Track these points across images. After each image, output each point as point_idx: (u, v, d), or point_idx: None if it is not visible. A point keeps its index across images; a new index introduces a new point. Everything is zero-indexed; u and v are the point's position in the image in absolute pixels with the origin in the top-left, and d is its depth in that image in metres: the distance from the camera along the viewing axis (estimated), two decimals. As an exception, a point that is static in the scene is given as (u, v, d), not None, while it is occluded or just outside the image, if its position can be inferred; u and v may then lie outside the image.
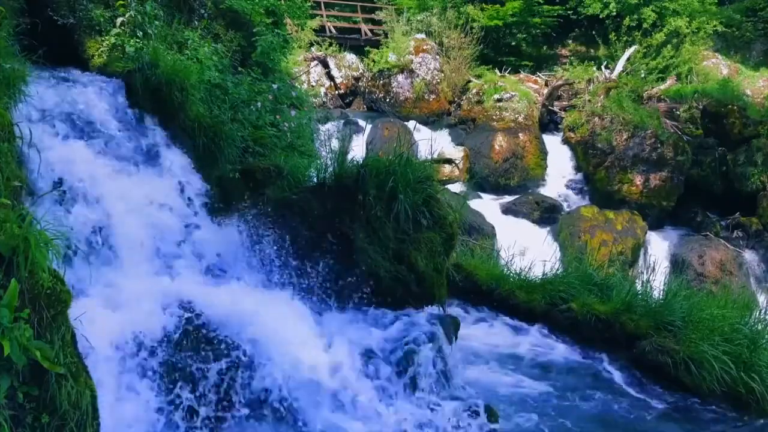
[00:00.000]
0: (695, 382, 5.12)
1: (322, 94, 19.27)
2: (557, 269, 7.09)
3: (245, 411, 3.61)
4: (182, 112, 5.24)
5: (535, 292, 6.56)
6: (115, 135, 4.83)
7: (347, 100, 20.29)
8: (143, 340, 3.58)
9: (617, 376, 5.42)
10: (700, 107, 16.46)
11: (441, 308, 5.14)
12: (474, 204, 14.98)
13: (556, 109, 18.32)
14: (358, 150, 5.91)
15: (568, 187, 16.94)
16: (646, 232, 14.95)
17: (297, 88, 8.09)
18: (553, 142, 17.57)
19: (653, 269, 9.81)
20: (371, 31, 22.24)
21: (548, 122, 18.35)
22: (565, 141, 17.39)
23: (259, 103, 6.44)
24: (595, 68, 18.79)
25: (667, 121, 16.25)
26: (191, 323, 3.75)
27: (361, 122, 17.34)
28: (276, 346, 3.79)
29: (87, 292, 3.76)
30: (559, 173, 17.07)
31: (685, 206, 16.12)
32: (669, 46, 19.82)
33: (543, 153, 17.19)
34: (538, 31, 21.36)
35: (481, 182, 16.73)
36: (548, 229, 14.82)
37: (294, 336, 3.98)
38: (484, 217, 14.43)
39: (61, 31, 5.46)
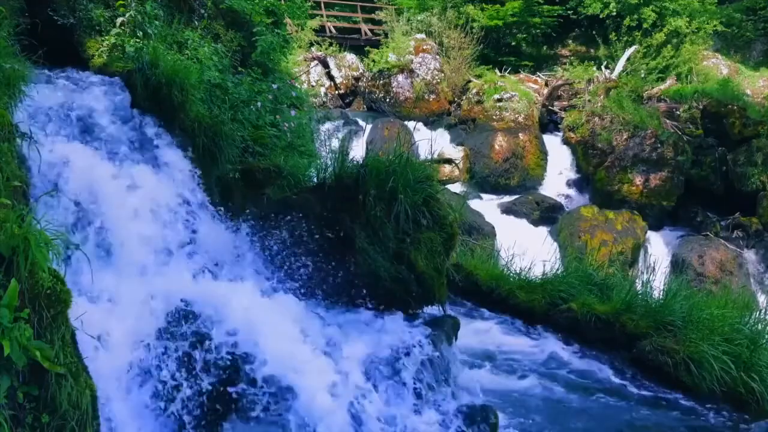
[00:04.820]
0: (695, 382, 5.12)
1: (322, 94, 19.28)
2: (557, 269, 7.09)
3: (242, 415, 3.59)
4: (182, 112, 5.23)
5: (535, 292, 6.56)
6: (114, 134, 4.82)
7: (347, 100, 20.30)
8: (141, 341, 3.58)
9: (617, 376, 5.42)
10: (700, 107, 16.46)
11: (441, 308, 5.14)
12: (474, 204, 14.99)
13: (556, 109, 18.32)
14: (358, 150, 5.92)
15: (568, 187, 16.95)
16: (646, 232, 14.95)
17: (297, 88, 8.08)
18: (553, 142, 17.58)
19: (653, 269, 9.81)
20: (371, 31, 22.24)
21: (548, 122, 18.35)
22: (565, 141, 17.40)
23: (259, 103, 6.43)
24: (595, 68, 18.80)
25: (667, 121, 16.25)
26: (190, 324, 3.75)
27: (361, 122, 17.35)
28: (275, 348, 3.78)
29: (84, 292, 3.75)
30: (559, 173, 17.08)
31: (685, 206, 16.12)
32: (669, 46, 19.81)
33: (543, 153, 17.19)
34: (538, 31, 21.37)
35: (481, 182, 16.73)
36: (548, 229, 14.82)
37: (293, 338, 3.97)
38: (484, 217, 14.44)
39: (61, 31, 5.46)
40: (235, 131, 5.65)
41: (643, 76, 18.76)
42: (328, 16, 22.15)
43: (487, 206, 15.49)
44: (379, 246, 4.84)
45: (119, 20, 5.58)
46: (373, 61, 19.49)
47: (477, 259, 7.63)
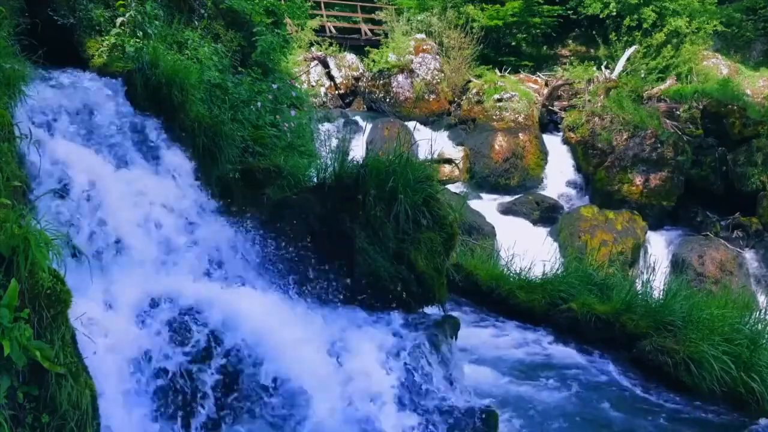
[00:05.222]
0: (695, 382, 5.11)
1: (322, 94, 19.28)
2: (557, 269, 7.08)
3: (243, 416, 3.60)
4: (182, 112, 5.23)
5: (535, 292, 6.56)
6: (114, 135, 4.82)
7: (347, 100, 20.30)
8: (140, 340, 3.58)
9: (617, 377, 5.42)
10: (700, 107, 16.46)
11: (441, 308, 5.14)
12: (474, 204, 14.99)
13: (556, 109, 18.32)
14: (358, 150, 5.91)
15: (568, 187, 16.95)
16: (646, 232, 14.95)
17: (297, 88, 8.09)
18: (553, 142, 17.58)
19: (653, 269, 9.81)
20: (371, 31, 22.25)
21: (548, 122, 18.36)
22: (565, 141, 17.40)
23: (259, 103, 6.44)
24: (595, 68, 18.80)
25: (667, 121, 16.25)
26: (190, 324, 3.75)
27: (361, 122, 17.34)
28: (276, 349, 3.78)
29: (85, 293, 3.74)
30: (559, 173, 17.08)
31: (685, 206, 16.12)
32: (669, 46, 19.82)
33: (543, 153, 17.19)
34: (538, 31, 21.37)
35: (481, 182, 16.74)
36: (548, 229, 14.82)
37: (294, 338, 3.97)
38: (484, 217, 14.44)
39: (61, 31, 5.46)
40: (235, 131, 5.65)
41: (643, 76, 18.76)
42: (328, 16, 22.15)
43: (487, 206, 15.49)
44: (379, 246, 4.84)
45: (119, 20, 5.59)
46: (373, 61, 19.49)
47: (477, 259, 7.63)
